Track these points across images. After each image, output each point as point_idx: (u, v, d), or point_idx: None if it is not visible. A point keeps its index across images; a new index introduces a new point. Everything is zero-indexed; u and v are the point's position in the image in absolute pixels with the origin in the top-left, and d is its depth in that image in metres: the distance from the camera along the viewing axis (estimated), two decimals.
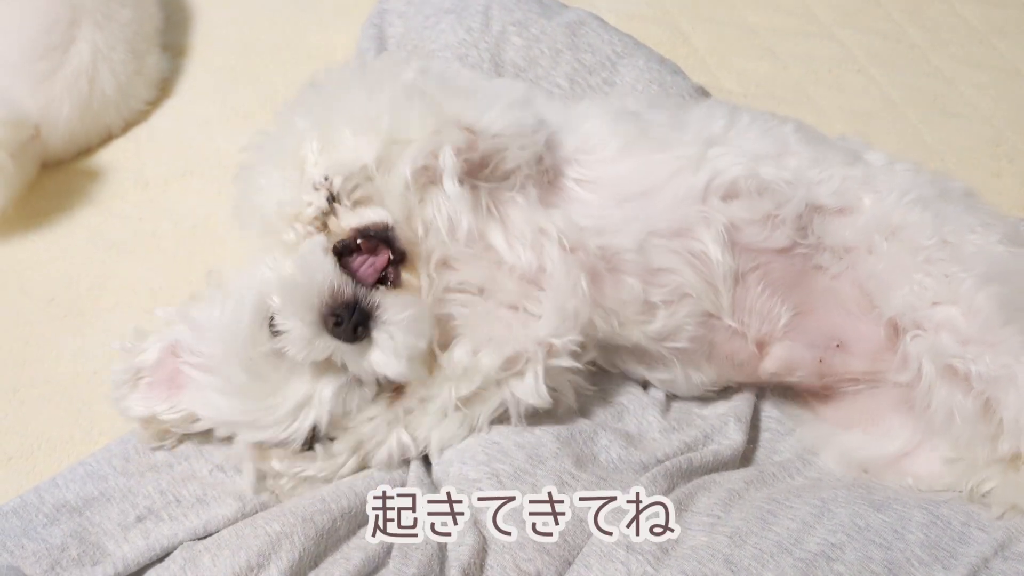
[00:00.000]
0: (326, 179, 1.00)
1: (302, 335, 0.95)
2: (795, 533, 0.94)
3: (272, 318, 0.97)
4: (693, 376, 1.11)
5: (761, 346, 1.08)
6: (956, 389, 0.98)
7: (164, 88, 1.66)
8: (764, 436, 1.15)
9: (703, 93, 1.44)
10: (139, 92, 1.59)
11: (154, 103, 1.63)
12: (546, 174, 1.05)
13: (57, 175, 1.52)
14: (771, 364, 1.09)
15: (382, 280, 0.99)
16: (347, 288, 0.96)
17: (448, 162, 0.99)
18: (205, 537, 1.01)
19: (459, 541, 0.94)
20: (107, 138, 1.57)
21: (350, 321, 0.95)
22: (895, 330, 1.04)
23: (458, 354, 1.01)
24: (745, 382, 1.15)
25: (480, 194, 1.03)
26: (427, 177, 1.01)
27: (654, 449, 1.07)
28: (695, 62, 1.64)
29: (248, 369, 0.99)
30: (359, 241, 0.99)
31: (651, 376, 1.12)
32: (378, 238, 0.99)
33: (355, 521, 0.99)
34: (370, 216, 1.00)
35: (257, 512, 1.02)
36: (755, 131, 1.09)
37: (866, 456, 1.07)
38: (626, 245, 1.02)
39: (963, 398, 0.97)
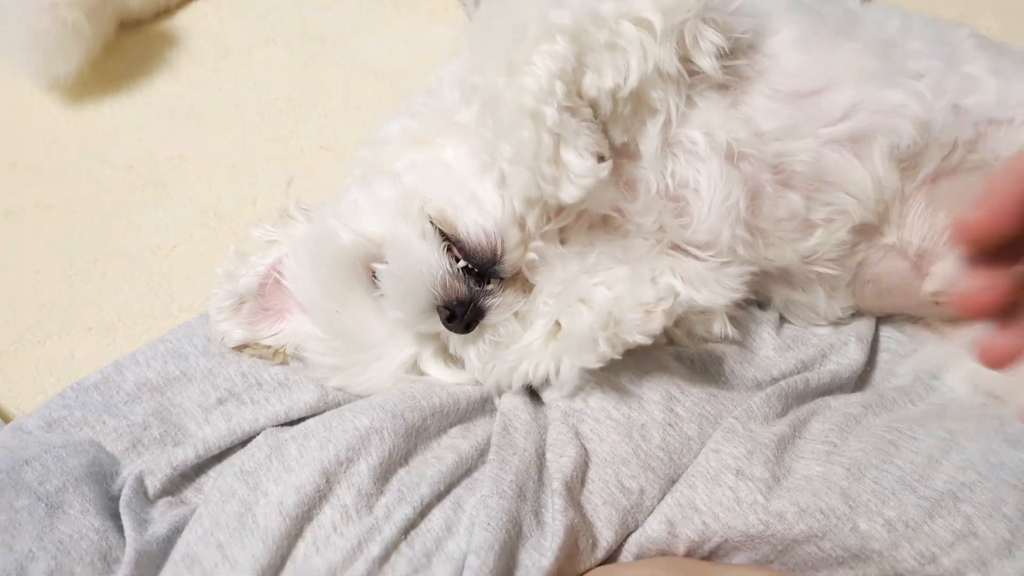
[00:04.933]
0: None
1: (409, 319, 0.91)
2: (920, 468, 0.86)
3: (374, 271, 0.92)
4: (833, 302, 1.02)
5: (919, 265, 0.97)
6: None
7: None
8: (882, 357, 1.06)
9: None
10: None
11: None
12: (733, 67, 0.91)
13: (135, 37, 1.45)
14: (933, 282, 0.97)
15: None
16: (460, 285, 0.89)
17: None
18: (287, 424, 0.97)
19: (560, 452, 0.89)
20: None
21: (463, 319, 0.89)
22: None
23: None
24: (893, 310, 1.05)
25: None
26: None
27: (768, 367, 0.99)
28: None
29: (344, 314, 0.95)
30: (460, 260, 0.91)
31: (787, 296, 1.02)
32: (481, 268, 0.91)
33: (446, 420, 0.93)
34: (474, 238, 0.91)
35: (338, 399, 0.98)
36: (932, 37, 0.96)
37: (997, 376, 0.96)
38: (803, 152, 0.90)
39: None
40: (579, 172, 0.84)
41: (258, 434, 0.96)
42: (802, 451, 0.89)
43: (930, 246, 0.97)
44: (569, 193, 0.85)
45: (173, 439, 0.98)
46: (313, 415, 0.97)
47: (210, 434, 0.97)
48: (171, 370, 1.01)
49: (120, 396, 0.99)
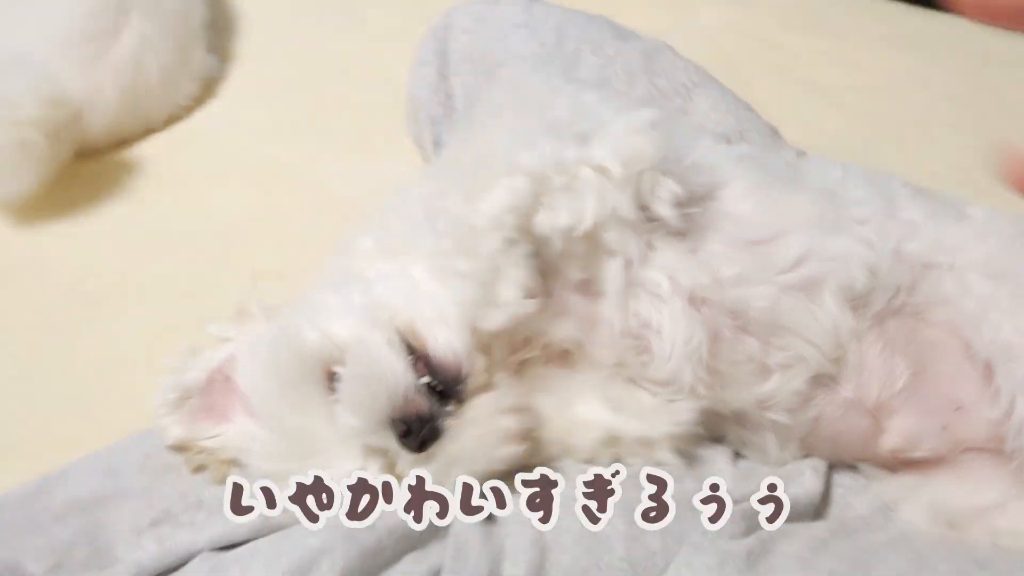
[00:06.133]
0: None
1: (363, 428, 0.87)
2: None
3: (334, 375, 0.89)
4: (784, 452, 1.02)
5: (877, 418, 0.98)
6: None
7: (209, 89, 1.62)
8: (837, 492, 1.05)
9: (775, 133, 1.39)
10: (183, 87, 1.56)
11: (197, 102, 1.59)
12: (690, 216, 0.94)
13: (92, 165, 1.47)
14: (891, 439, 0.99)
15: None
16: (422, 400, 0.87)
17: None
18: (228, 547, 0.91)
19: (515, 560, 0.86)
20: (147, 131, 1.53)
21: (418, 436, 0.86)
22: (990, 372, 0.93)
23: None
24: (849, 461, 1.05)
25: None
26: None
27: (729, 491, 0.98)
28: (758, 109, 1.60)
29: (294, 416, 0.91)
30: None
31: (741, 436, 1.02)
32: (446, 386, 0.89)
33: (404, 543, 0.88)
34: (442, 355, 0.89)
35: (283, 521, 0.91)
36: (869, 186, 1.02)
37: (957, 506, 0.96)
38: (760, 298, 0.92)
39: None
40: (505, 301, 0.86)
41: (194, 558, 0.90)
42: (774, 565, 0.87)
43: (887, 398, 0.98)
44: (494, 319, 0.86)
45: (99, 563, 0.91)
46: (257, 538, 0.91)
47: (142, 558, 0.90)
48: (104, 487, 0.96)
49: (46, 515, 0.94)
